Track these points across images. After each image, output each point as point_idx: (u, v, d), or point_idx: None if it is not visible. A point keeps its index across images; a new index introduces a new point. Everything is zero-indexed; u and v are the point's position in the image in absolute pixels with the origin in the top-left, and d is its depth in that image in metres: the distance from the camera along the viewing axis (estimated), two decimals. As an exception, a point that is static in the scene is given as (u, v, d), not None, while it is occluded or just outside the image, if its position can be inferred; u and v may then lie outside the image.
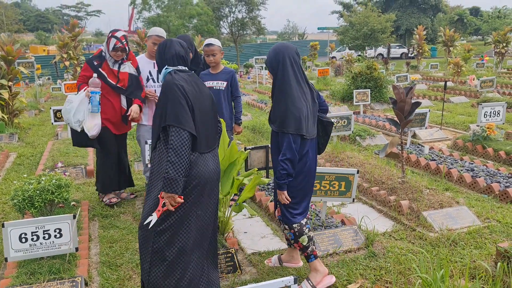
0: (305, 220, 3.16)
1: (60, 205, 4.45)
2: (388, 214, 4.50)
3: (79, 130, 4.32)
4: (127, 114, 4.58)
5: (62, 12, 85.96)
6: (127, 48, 4.51)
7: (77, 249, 3.42)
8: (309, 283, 3.16)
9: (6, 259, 3.26)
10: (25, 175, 5.57)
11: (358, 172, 3.97)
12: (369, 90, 9.50)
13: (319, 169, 3.90)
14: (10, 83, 8.83)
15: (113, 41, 4.42)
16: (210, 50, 4.56)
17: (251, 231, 4.25)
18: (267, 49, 44.07)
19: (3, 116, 8.46)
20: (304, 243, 3.12)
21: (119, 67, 4.55)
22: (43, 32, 61.63)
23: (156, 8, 38.16)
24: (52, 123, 7.68)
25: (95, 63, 4.50)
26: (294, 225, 3.11)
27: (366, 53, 33.59)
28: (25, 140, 8.32)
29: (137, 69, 4.70)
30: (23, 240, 3.28)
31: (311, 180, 3.16)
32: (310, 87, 3.09)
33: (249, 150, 5.07)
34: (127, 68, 4.58)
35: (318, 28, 53.66)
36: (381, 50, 36.66)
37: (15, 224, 3.27)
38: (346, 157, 5.77)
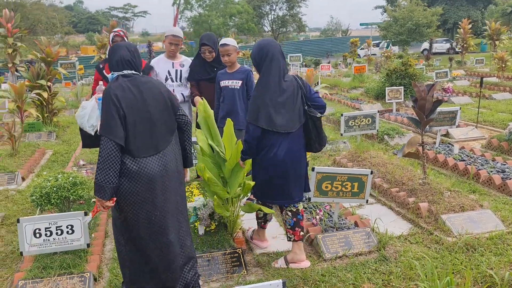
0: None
1: (81, 201, 4.61)
2: (406, 216, 4.35)
3: (93, 134, 4.44)
4: None
5: (110, 13, 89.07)
6: (126, 39, 4.56)
7: (88, 245, 3.52)
8: (251, 233, 3.91)
9: (21, 253, 3.41)
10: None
11: (372, 173, 3.86)
12: (402, 87, 9.20)
13: (329, 169, 3.83)
14: (49, 83, 9.22)
15: (111, 35, 4.52)
16: (225, 50, 4.56)
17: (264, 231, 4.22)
18: (308, 47, 43.84)
19: (38, 115, 8.84)
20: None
21: None
22: (93, 33, 64.22)
23: (198, 7, 38.78)
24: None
25: (101, 66, 4.63)
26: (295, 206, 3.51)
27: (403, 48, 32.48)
28: (62, 138, 8.67)
29: (146, 67, 4.75)
30: (37, 235, 3.42)
31: (287, 174, 3.35)
32: (294, 83, 3.27)
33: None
34: None
35: (361, 24, 52.59)
36: (427, 45, 35.47)
37: (30, 220, 3.41)
38: (368, 157, 5.62)
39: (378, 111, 6.23)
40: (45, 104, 9.18)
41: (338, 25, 67.50)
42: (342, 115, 5.82)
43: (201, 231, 3.75)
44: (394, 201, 4.66)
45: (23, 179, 6.09)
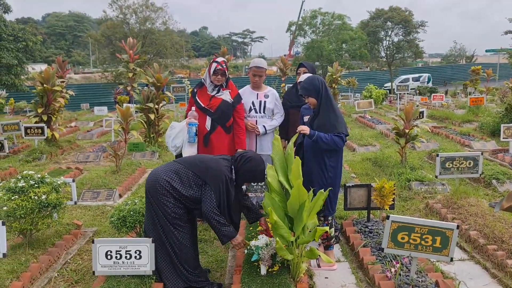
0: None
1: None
2: (503, 281, 3.73)
3: (174, 154, 4.63)
4: None
5: (231, 38, 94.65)
6: (226, 72, 4.69)
7: (153, 272, 3.61)
8: (317, 261, 4.14)
9: (93, 273, 3.62)
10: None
11: (458, 227, 3.40)
12: (522, 124, 8.15)
13: (407, 219, 3.47)
14: (157, 106, 9.93)
15: (214, 65, 4.66)
16: (260, 71, 4.82)
17: (333, 277, 3.96)
18: (425, 73, 41.49)
19: (140, 137, 9.49)
20: (331, 234, 4.13)
21: (216, 93, 4.75)
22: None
23: (311, 33, 39.19)
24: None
25: (195, 90, 4.81)
26: (329, 218, 4.10)
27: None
28: (164, 158, 9.23)
29: (236, 97, 4.83)
30: (109, 257, 3.59)
31: None
32: None
33: (348, 188, 4.79)
34: (224, 95, 4.76)
35: (486, 51, 48.47)
36: None
37: (103, 241, 3.61)
38: (466, 205, 5.00)
39: (486, 152, 5.56)
40: (151, 125, 9.90)
41: (462, 51, 63.09)
42: (437, 155, 5.30)
43: (263, 271, 3.62)
44: (490, 261, 4.05)
45: (120, 196, 6.55)
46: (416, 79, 38.18)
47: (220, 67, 4.65)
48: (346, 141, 4.00)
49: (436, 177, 5.39)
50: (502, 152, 8.29)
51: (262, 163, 3.73)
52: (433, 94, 20.02)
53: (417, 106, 7.68)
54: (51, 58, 48.18)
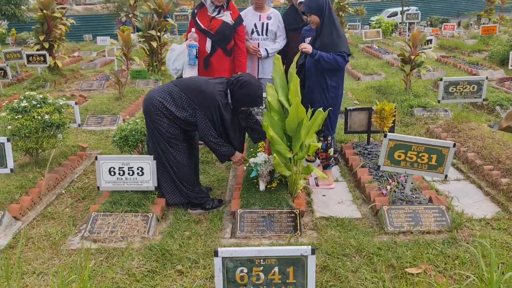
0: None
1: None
2: (496, 198, 3.83)
3: (175, 77, 4.61)
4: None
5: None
6: None
7: (156, 188, 3.74)
8: (315, 180, 4.23)
9: (98, 188, 3.75)
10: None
11: (454, 145, 3.44)
12: (531, 52, 7.94)
13: (404, 137, 3.51)
14: (159, 33, 9.74)
15: None
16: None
17: (330, 195, 4.08)
18: (438, 4, 39.78)
19: (142, 63, 9.38)
20: (331, 154, 4.16)
21: (217, 14, 4.63)
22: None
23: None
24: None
25: (195, 11, 4.69)
26: (329, 138, 4.10)
27: None
28: (167, 87, 9.18)
29: (237, 19, 4.71)
30: (112, 173, 3.71)
31: None
32: None
33: (349, 111, 4.80)
34: (224, 17, 4.63)
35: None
36: None
37: (106, 158, 3.70)
38: (466, 128, 5.02)
39: (493, 80, 5.49)
40: (154, 53, 9.77)
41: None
42: (441, 79, 5.23)
43: (261, 187, 3.73)
44: (485, 180, 4.13)
45: (124, 121, 6.62)
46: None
47: None
48: (348, 61, 3.93)
49: (439, 102, 5.36)
50: (509, 81, 8.16)
51: (259, 88, 3.62)
52: (444, 24, 19.32)
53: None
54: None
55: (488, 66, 9.72)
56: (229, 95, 3.61)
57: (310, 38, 4.33)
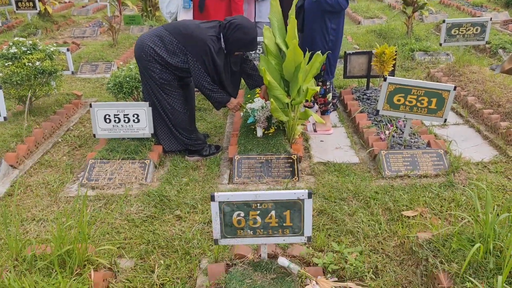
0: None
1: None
2: (494, 142, 3.82)
3: (169, 21, 4.45)
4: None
5: None
6: None
7: (152, 134, 3.70)
8: (313, 126, 4.22)
9: (94, 135, 3.71)
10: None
11: (455, 89, 3.37)
12: (538, -8, 7.66)
13: (404, 80, 3.43)
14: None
15: None
16: None
17: (328, 140, 4.06)
18: None
19: (134, 7, 9.08)
20: (329, 99, 4.09)
21: None
22: None
23: None
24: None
25: None
26: (328, 83, 4.00)
27: None
28: (162, 33, 8.93)
29: None
30: (107, 120, 3.66)
31: None
32: None
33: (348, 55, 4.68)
34: None
35: None
36: None
37: (100, 105, 3.64)
38: (468, 72, 4.92)
39: (497, 22, 5.30)
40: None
41: None
42: (444, 21, 5.06)
43: (259, 133, 3.70)
44: (485, 124, 4.10)
45: (118, 68, 6.47)
46: None
47: None
48: (349, 1, 3.76)
49: (441, 44, 5.22)
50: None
51: (253, 31, 3.46)
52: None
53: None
54: None
55: (492, 8, 9.42)
56: (222, 40, 3.47)
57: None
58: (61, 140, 4.21)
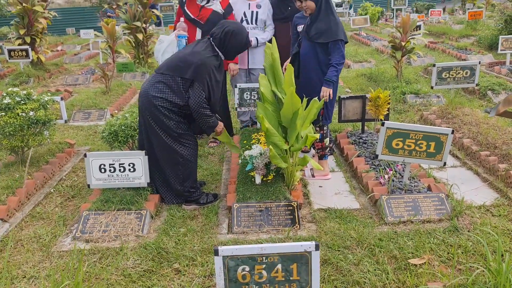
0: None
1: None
2: (494, 184, 3.80)
3: None
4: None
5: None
6: None
7: (148, 184, 3.62)
8: (311, 171, 4.17)
9: (89, 186, 3.62)
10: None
11: (453, 132, 3.38)
12: (521, 36, 7.93)
13: (402, 125, 3.44)
14: (145, 25, 9.52)
15: None
16: None
17: (327, 186, 4.01)
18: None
19: (128, 55, 9.19)
20: (326, 144, 4.09)
21: (206, 3, 4.50)
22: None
23: None
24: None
25: (183, 0, 4.55)
26: (325, 127, 4.03)
27: None
28: (155, 79, 9.00)
29: (227, 7, 4.59)
30: (102, 170, 3.58)
31: None
32: None
33: (343, 100, 4.71)
34: (214, 5, 4.50)
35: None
36: None
37: (96, 155, 3.57)
38: (461, 114, 4.97)
39: (485, 63, 5.44)
40: (140, 45, 9.56)
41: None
42: (434, 65, 5.17)
43: (257, 180, 3.64)
44: (482, 166, 4.09)
45: (112, 116, 6.46)
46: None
47: None
48: (344, 47, 3.84)
49: (432, 88, 5.30)
50: (499, 65, 8.15)
51: (243, 29, 3.66)
52: (430, 9, 19.31)
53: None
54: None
55: (476, 51, 9.71)
56: (219, 53, 3.50)
57: (302, 26, 4.21)
58: (54, 190, 4.10)
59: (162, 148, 3.48)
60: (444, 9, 27.44)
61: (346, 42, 3.82)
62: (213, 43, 3.49)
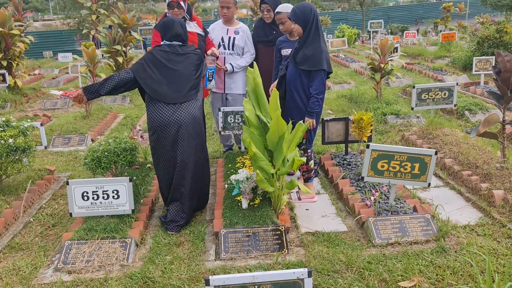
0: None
1: (136, 166, 4.69)
2: (477, 204, 3.85)
3: None
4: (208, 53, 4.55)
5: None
6: (181, 3, 4.33)
7: (133, 211, 3.55)
8: (297, 194, 4.17)
9: (71, 214, 3.52)
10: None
11: (436, 153, 3.43)
12: (493, 57, 8.18)
13: (386, 147, 3.47)
14: (125, 48, 9.51)
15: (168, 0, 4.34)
16: (226, 2, 4.63)
17: (313, 209, 4.00)
18: (396, 13, 41.10)
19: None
20: (311, 166, 4.11)
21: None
22: None
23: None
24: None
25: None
26: (309, 150, 4.05)
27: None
28: (135, 103, 8.96)
29: (204, 28, 4.61)
30: (85, 198, 3.49)
31: None
32: None
33: (326, 122, 4.75)
34: (194, 28, 4.49)
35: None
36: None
37: (78, 182, 3.49)
38: (441, 134, 5.07)
39: (461, 84, 5.58)
40: (120, 69, 9.52)
41: (432, -12, 62.32)
42: (414, 87, 5.28)
43: (244, 204, 3.60)
44: (465, 186, 4.16)
45: (93, 140, 6.36)
46: None
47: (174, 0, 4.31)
48: (328, 77, 3.92)
49: (412, 109, 5.40)
50: (474, 85, 8.39)
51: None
52: (405, 32, 19.87)
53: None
54: (6, 4, 45.11)
55: (451, 71, 9.99)
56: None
57: (288, 50, 4.26)
58: (33, 219, 3.98)
59: (201, 165, 3.85)
60: (417, 31, 28.29)
61: (330, 73, 3.85)
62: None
